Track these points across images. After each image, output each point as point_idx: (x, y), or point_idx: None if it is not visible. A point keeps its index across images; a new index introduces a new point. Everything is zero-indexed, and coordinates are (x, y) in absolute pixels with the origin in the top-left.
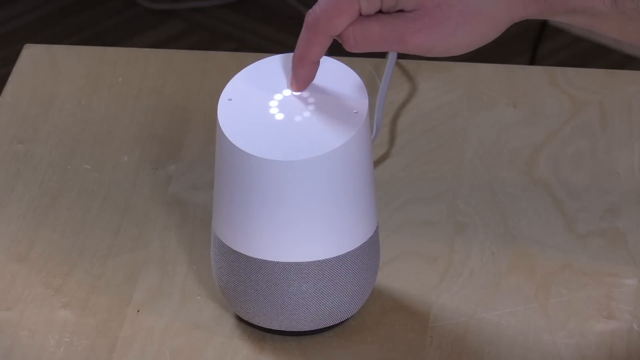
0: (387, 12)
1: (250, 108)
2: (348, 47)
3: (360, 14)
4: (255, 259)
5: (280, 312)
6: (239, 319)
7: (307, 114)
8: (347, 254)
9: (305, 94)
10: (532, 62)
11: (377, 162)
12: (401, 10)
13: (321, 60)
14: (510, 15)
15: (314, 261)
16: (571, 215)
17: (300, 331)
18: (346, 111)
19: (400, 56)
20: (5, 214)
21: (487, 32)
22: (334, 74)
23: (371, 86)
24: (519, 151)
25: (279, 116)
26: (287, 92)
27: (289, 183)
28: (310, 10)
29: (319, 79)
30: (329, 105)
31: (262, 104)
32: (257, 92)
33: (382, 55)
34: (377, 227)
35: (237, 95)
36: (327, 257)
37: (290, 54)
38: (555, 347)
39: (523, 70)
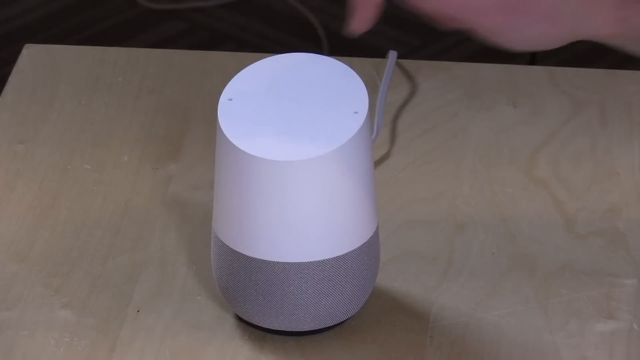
0: None
1: (251, 108)
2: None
3: None
4: (255, 259)
5: (280, 312)
6: (239, 319)
7: (307, 114)
8: (347, 254)
9: (305, 93)
10: (532, 62)
11: (377, 162)
12: None
13: (321, 60)
14: (575, 32)
15: (314, 261)
16: (571, 215)
17: (300, 331)
18: (346, 111)
19: (400, 56)
20: (5, 214)
21: (553, 39)
22: (334, 74)
23: (371, 86)
24: (519, 151)
25: (279, 116)
26: (288, 92)
27: (289, 183)
28: None
29: (319, 79)
30: (329, 106)
31: (262, 104)
32: (257, 92)
33: (382, 55)
34: (377, 227)
35: (237, 95)
36: (327, 257)
37: (290, 54)
38: (555, 347)
39: (523, 70)
